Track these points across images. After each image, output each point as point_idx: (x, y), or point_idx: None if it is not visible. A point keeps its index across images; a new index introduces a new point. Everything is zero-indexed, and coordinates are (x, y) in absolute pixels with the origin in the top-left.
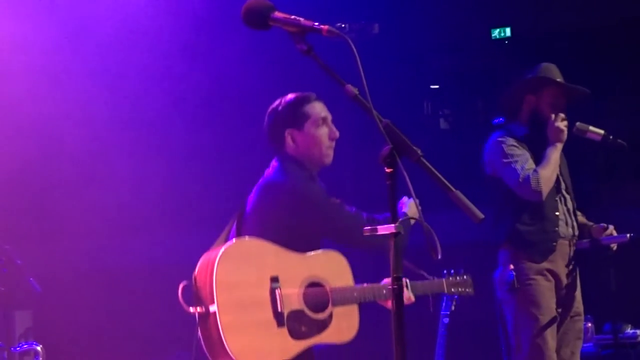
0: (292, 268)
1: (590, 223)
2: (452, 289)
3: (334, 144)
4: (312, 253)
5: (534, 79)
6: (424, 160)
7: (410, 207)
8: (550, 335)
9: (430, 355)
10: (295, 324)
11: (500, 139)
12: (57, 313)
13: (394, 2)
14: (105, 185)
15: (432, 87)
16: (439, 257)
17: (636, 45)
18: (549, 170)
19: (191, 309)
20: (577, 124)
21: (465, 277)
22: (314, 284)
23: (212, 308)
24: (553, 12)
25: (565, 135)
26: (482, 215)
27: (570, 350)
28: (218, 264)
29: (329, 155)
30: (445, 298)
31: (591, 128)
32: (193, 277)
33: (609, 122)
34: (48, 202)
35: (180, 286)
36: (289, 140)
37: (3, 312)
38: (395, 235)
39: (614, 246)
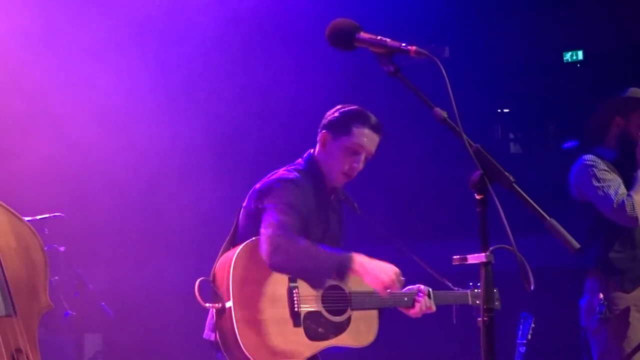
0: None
1: None
2: (477, 301)
3: (352, 176)
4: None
5: (623, 100)
6: (517, 187)
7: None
8: None
9: None
10: (312, 324)
11: (590, 162)
12: (127, 336)
13: (465, 24)
14: (171, 205)
15: (502, 110)
16: (532, 287)
17: None
18: None
19: (207, 305)
20: None
21: (494, 290)
22: (333, 287)
23: (228, 304)
24: (626, 34)
25: None
26: (578, 245)
27: None
28: (236, 260)
29: (339, 180)
30: (521, 326)
31: None
32: (212, 275)
33: None
34: (117, 225)
35: (197, 282)
36: (321, 140)
37: (74, 336)
38: (486, 264)
39: None
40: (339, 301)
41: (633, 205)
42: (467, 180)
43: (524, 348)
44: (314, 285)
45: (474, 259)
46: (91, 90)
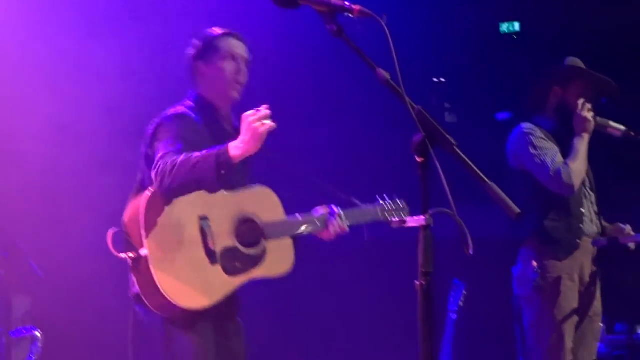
0: (222, 205)
1: (607, 224)
2: (387, 216)
3: (240, 83)
4: (242, 190)
5: (563, 68)
6: (459, 151)
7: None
8: (569, 336)
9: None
10: (229, 260)
11: (528, 130)
12: (57, 297)
13: None
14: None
15: (438, 80)
16: (471, 252)
17: None
18: (579, 163)
19: (122, 255)
20: (598, 118)
21: (400, 202)
22: (245, 220)
23: (143, 252)
24: (562, 5)
25: (592, 126)
26: (518, 210)
27: (587, 351)
28: (145, 207)
29: (234, 91)
30: (452, 293)
31: (612, 123)
32: (123, 224)
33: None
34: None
35: (110, 233)
36: (199, 73)
37: (1, 296)
38: (425, 228)
39: (632, 245)
40: (252, 233)
41: (570, 174)
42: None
43: (456, 315)
44: (225, 220)
45: (413, 221)
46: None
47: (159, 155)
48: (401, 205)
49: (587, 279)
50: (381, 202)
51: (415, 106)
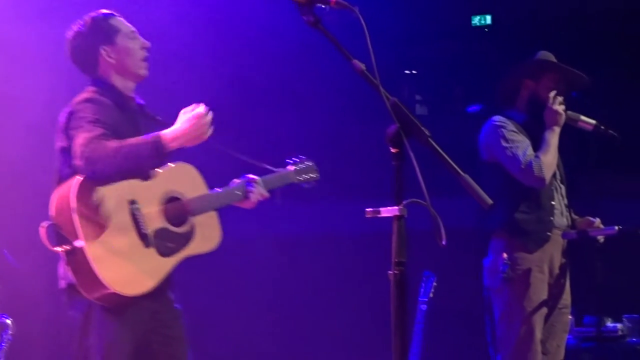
0: (147, 188)
1: (577, 216)
2: (299, 177)
3: (146, 52)
4: (163, 169)
5: (534, 62)
6: (433, 142)
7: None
8: (538, 328)
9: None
10: (162, 241)
11: (499, 123)
12: (28, 285)
13: None
14: None
15: (409, 72)
16: (444, 242)
17: (619, 36)
18: (550, 156)
19: (57, 249)
20: (569, 112)
21: (308, 162)
22: (171, 199)
23: (78, 243)
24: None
25: (563, 119)
26: (490, 201)
27: (556, 343)
28: (75, 198)
29: (143, 67)
30: (423, 284)
31: (582, 117)
32: (51, 217)
33: (595, 114)
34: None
35: (44, 227)
36: (104, 57)
37: None
38: (399, 218)
39: (601, 238)
40: (179, 212)
41: (540, 167)
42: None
43: (426, 306)
44: (153, 202)
45: (387, 212)
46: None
47: (80, 141)
48: (309, 164)
49: (556, 271)
50: (292, 165)
51: (390, 97)
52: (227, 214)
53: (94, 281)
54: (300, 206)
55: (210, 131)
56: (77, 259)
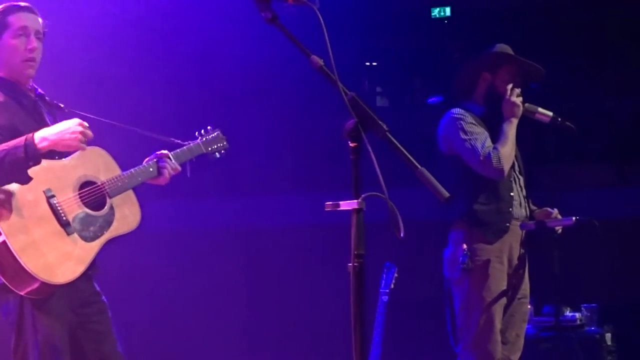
0: (60, 175)
1: (535, 207)
2: (209, 148)
3: (34, 55)
4: (74, 155)
5: (492, 54)
6: (390, 136)
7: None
8: (498, 318)
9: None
10: (83, 226)
11: (458, 115)
12: None
13: None
14: None
15: (370, 64)
16: (402, 234)
17: (576, 26)
18: (508, 147)
19: None
20: (526, 104)
21: (216, 133)
22: (86, 184)
23: (0, 238)
24: None
25: (520, 111)
26: (447, 194)
27: (515, 333)
28: None
29: (28, 67)
30: (384, 275)
31: (540, 109)
32: None
33: (550, 105)
34: None
35: None
36: None
37: None
38: (358, 211)
39: (559, 229)
40: (96, 195)
41: (499, 158)
42: (340, 131)
43: (387, 297)
44: (68, 189)
45: (346, 205)
46: None
47: None
48: (217, 134)
49: (515, 261)
50: (201, 137)
51: (348, 92)
52: (192, 207)
53: (22, 274)
54: (260, 199)
55: (83, 144)
56: (1, 254)
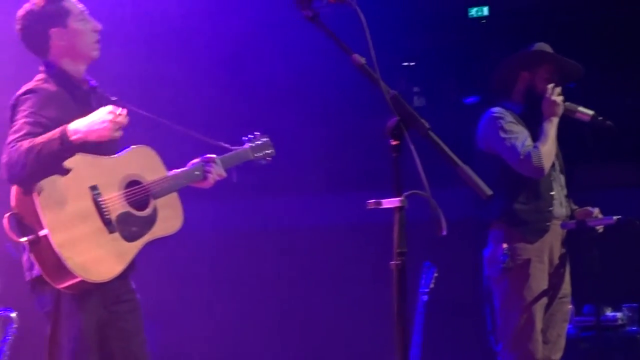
0: (107, 173)
1: (575, 207)
2: (257, 155)
3: (98, 35)
4: (123, 153)
5: (530, 53)
6: (432, 134)
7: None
8: (538, 317)
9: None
10: (126, 226)
11: (497, 114)
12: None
13: None
14: None
15: (407, 64)
16: (444, 233)
17: (614, 26)
18: (549, 146)
19: (22, 239)
20: (566, 103)
21: (263, 139)
22: (132, 183)
23: (42, 232)
24: None
25: (561, 110)
26: (490, 192)
27: (556, 332)
28: (36, 188)
29: (95, 49)
30: (424, 275)
31: (580, 108)
32: (12, 207)
33: (592, 104)
34: None
35: (6, 219)
36: (55, 40)
37: None
38: (400, 209)
39: (600, 228)
40: (140, 195)
41: (539, 157)
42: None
43: (427, 297)
44: (114, 187)
45: (388, 203)
46: None
47: (7, 142)
48: (265, 140)
49: (556, 261)
50: (248, 142)
51: (390, 91)
52: (227, 208)
53: (61, 269)
54: (301, 198)
55: (118, 132)
56: (42, 248)
